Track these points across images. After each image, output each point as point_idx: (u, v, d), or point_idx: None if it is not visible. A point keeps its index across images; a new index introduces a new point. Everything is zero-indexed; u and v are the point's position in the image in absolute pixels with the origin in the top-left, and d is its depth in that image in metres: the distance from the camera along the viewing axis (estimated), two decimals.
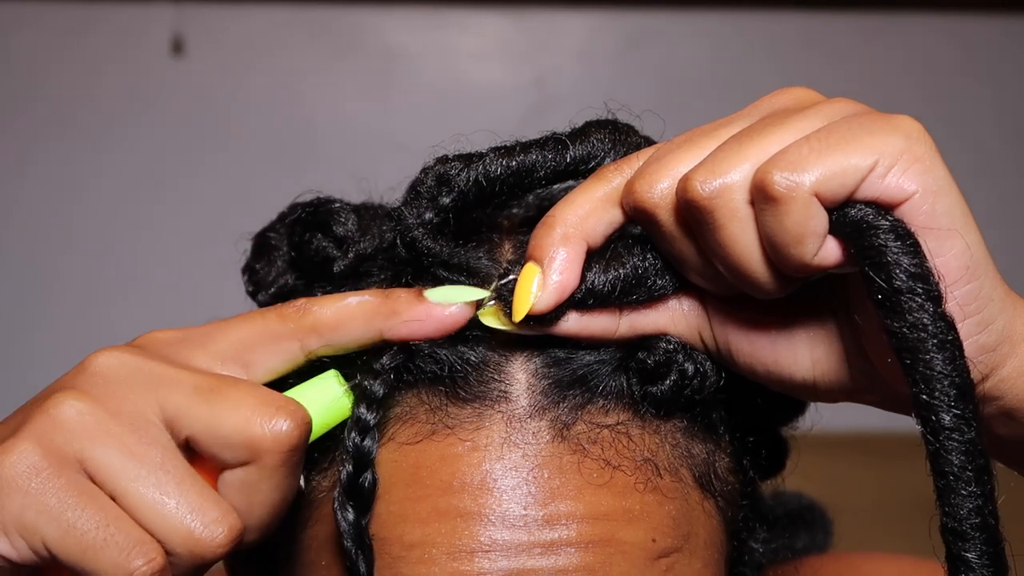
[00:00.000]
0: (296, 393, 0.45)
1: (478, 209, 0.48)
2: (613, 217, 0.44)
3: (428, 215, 0.47)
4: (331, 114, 2.20)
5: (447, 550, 0.45)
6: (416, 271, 0.49)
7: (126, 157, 2.19)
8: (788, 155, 0.39)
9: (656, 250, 0.45)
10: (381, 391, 0.46)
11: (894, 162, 0.40)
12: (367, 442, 0.46)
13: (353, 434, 0.46)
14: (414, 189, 0.49)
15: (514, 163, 0.47)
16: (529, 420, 0.46)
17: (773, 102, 0.44)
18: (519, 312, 0.44)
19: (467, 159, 0.48)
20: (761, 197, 0.40)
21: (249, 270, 0.55)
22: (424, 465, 0.46)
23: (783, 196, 0.39)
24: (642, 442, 0.47)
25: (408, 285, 0.49)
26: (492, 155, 0.47)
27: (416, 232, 0.47)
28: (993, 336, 0.41)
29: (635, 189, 0.42)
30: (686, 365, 0.47)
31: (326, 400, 0.45)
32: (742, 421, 0.52)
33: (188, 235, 2.20)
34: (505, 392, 0.47)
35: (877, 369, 0.43)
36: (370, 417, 0.46)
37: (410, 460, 0.46)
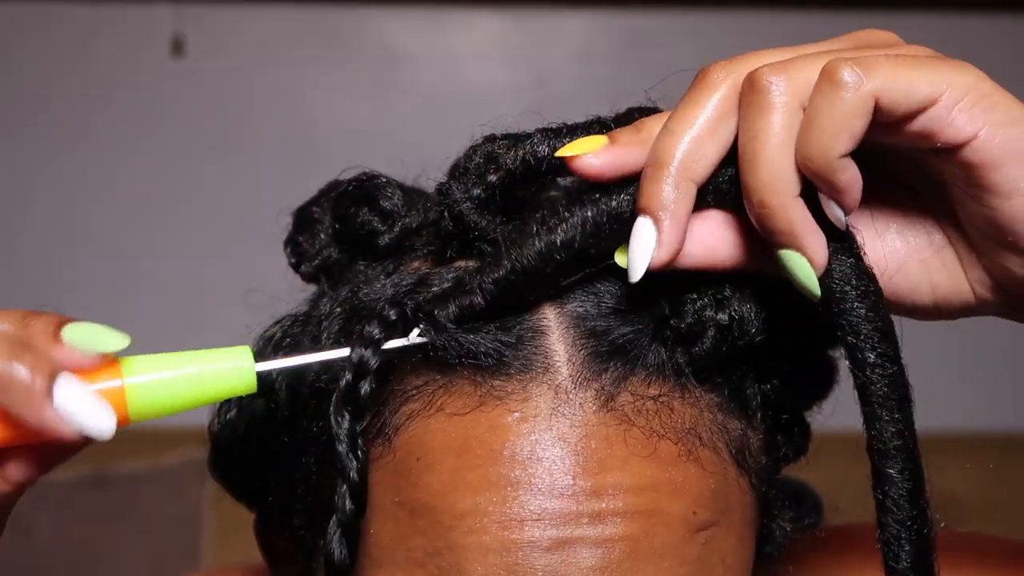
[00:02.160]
0: (200, 355, 0.45)
1: (523, 188, 0.49)
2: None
3: (476, 191, 0.48)
4: (331, 114, 2.20)
5: (498, 519, 0.45)
6: (461, 245, 0.49)
7: (126, 157, 2.19)
8: (864, 58, 0.41)
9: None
10: (393, 315, 0.46)
11: (961, 96, 0.41)
12: (368, 353, 0.46)
13: (359, 348, 0.46)
14: (462, 166, 0.49)
15: (559, 144, 0.47)
16: (575, 391, 0.47)
17: (862, 36, 0.46)
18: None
19: (515, 139, 0.48)
20: (824, 79, 0.41)
21: (292, 242, 0.56)
22: (474, 435, 0.46)
23: (846, 83, 0.40)
24: (684, 413, 0.47)
25: (452, 259, 0.49)
26: (539, 136, 0.48)
27: (463, 207, 0.48)
28: None
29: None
30: (719, 316, 0.47)
31: (232, 365, 0.45)
32: (774, 400, 0.52)
33: (188, 234, 2.21)
34: (547, 364, 0.47)
35: (996, 258, 0.44)
36: (377, 332, 0.46)
37: (459, 430, 0.47)
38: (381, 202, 0.51)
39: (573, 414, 0.46)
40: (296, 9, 2.20)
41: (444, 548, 0.46)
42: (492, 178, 0.48)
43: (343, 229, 0.53)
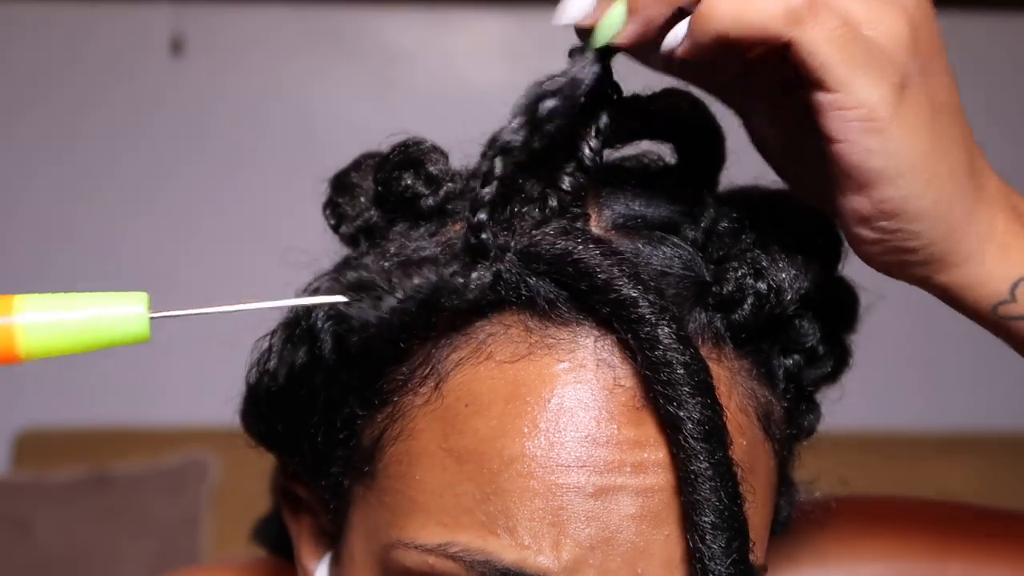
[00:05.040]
0: (97, 297, 0.46)
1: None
2: None
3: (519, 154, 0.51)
4: (331, 114, 2.20)
5: (544, 464, 0.47)
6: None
7: (125, 157, 2.19)
8: (831, 7, 0.42)
9: None
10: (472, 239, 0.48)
11: (848, 107, 0.42)
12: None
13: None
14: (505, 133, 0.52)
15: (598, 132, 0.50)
16: (621, 345, 0.48)
17: None
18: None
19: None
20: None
21: (332, 204, 0.57)
22: (523, 383, 0.48)
23: (795, 16, 0.42)
24: (719, 375, 0.48)
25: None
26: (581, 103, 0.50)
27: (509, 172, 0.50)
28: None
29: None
30: (759, 285, 0.49)
31: (127, 311, 0.45)
32: (795, 374, 0.54)
33: (187, 235, 2.21)
34: (591, 318, 0.48)
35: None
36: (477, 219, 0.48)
37: (508, 377, 0.48)
38: (428, 166, 0.53)
39: (618, 366, 0.48)
40: (297, 9, 2.20)
41: (492, 493, 0.47)
42: (536, 144, 0.49)
43: (385, 192, 0.54)
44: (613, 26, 0.46)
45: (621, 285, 0.46)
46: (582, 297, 0.48)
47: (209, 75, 2.20)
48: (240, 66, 2.21)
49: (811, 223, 0.52)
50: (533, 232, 0.48)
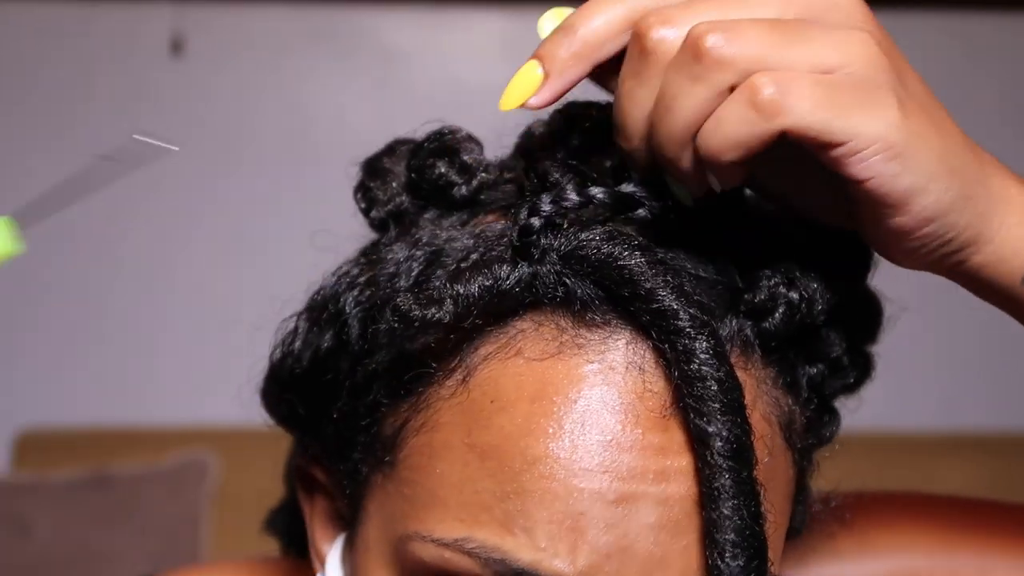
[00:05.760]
0: None
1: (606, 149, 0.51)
2: (624, 41, 0.46)
3: (559, 152, 0.52)
4: (331, 114, 2.20)
5: (567, 466, 0.46)
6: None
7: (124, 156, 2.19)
8: (792, 81, 0.41)
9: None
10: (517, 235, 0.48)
11: (864, 147, 0.42)
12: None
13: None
14: (543, 126, 0.52)
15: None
16: (654, 352, 0.48)
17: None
18: (507, 101, 0.47)
19: (594, 106, 0.52)
20: (743, 94, 0.42)
21: (363, 188, 0.57)
22: (551, 382, 0.47)
23: (763, 110, 0.41)
24: (746, 383, 0.48)
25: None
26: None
27: (547, 165, 0.51)
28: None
29: (651, 26, 0.44)
30: (791, 294, 0.49)
31: None
32: (818, 384, 0.54)
33: (186, 234, 2.21)
34: (627, 321, 0.48)
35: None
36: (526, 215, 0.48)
37: (536, 375, 0.48)
38: (463, 155, 0.53)
39: (647, 370, 0.47)
40: (297, 9, 2.20)
41: (512, 492, 0.47)
42: (575, 141, 0.50)
43: (418, 179, 0.54)
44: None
45: (664, 295, 0.46)
46: (621, 303, 0.47)
47: (209, 75, 2.20)
48: (240, 66, 2.21)
49: (841, 234, 0.52)
50: (580, 235, 0.48)
